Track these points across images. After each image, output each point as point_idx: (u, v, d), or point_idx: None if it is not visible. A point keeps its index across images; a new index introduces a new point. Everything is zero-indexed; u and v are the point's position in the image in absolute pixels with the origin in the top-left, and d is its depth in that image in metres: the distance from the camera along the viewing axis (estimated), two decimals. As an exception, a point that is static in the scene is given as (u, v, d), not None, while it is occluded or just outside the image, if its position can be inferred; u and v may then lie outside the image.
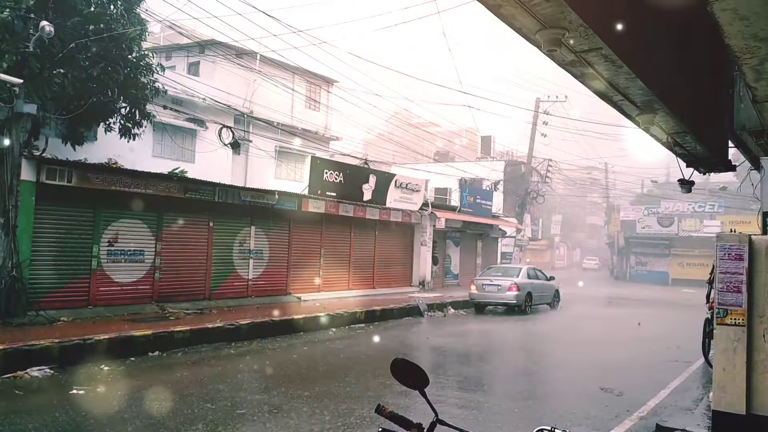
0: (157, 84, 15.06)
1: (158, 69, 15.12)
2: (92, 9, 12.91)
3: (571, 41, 3.97)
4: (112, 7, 13.51)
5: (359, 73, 23.53)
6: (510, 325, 16.97)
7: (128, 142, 15.18)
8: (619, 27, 4.07)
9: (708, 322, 10.96)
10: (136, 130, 15.03)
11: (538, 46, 4.00)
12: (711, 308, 10.18)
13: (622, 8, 4.12)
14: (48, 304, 11.88)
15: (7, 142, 11.25)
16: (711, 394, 6.99)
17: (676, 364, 11.58)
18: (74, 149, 14.29)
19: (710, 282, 10.66)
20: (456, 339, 14.20)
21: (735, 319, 6.37)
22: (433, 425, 2.36)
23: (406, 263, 24.13)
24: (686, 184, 9.58)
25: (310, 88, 28.03)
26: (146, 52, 14.61)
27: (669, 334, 16.23)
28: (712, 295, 9.75)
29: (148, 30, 15.15)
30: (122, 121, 14.71)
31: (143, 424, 6.54)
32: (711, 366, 8.39)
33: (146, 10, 14.84)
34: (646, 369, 11.22)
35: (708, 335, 10.80)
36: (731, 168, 9.07)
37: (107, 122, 14.53)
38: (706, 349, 11.06)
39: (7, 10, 11.20)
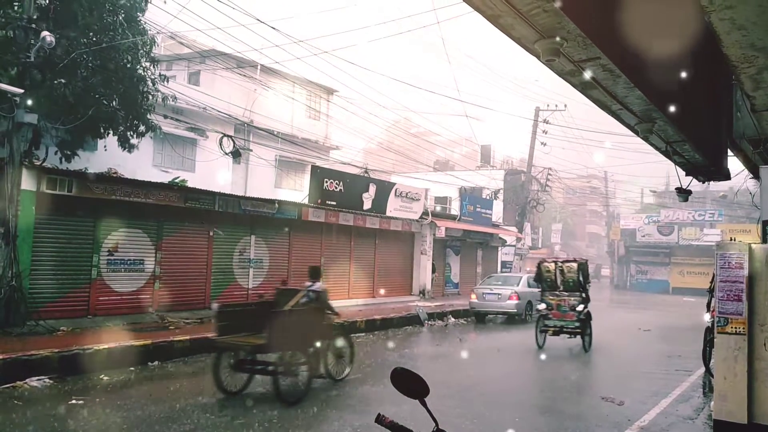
0: (159, 94, 15.07)
1: (160, 80, 15.13)
2: (93, 22, 12.95)
3: (570, 51, 3.99)
4: (114, 17, 13.56)
5: (360, 83, 23.64)
6: (511, 334, 16.94)
7: (130, 152, 15.21)
8: (617, 37, 4.09)
9: (709, 331, 10.94)
10: (134, 141, 15.02)
11: (537, 56, 4.02)
12: (712, 317, 10.16)
13: (620, 19, 4.14)
14: (48, 314, 11.85)
15: (7, 151, 11.28)
16: (712, 403, 6.97)
17: (677, 372, 11.55)
18: (69, 161, 14.26)
19: (711, 291, 10.64)
20: (457, 348, 14.15)
21: (735, 327, 6.37)
22: (433, 435, 2.36)
23: (406, 272, 24.10)
24: (683, 193, 9.58)
25: (310, 98, 28.11)
26: (146, 64, 14.62)
27: (670, 342, 16.20)
28: (712, 304, 9.73)
29: (156, 42, 15.17)
30: (123, 131, 14.71)
31: (142, 435, 6.53)
32: (712, 375, 8.37)
33: (146, 21, 14.88)
34: (647, 378, 11.18)
35: (709, 344, 10.76)
36: (728, 177, 9.10)
37: (108, 132, 14.53)
38: (707, 358, 11.03)
39: (10, 25, 11.28)
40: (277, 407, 7.77)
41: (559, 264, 14.77)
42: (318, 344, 8.78)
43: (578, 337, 14.26)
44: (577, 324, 14.12)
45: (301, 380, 8.39)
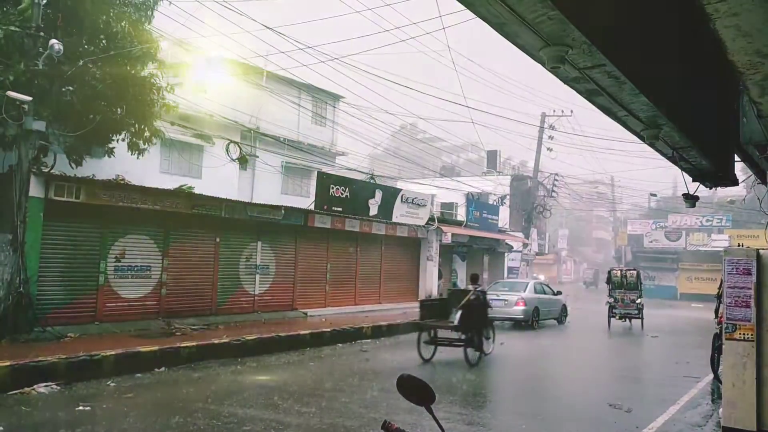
0: (166, 101, 15.11)
1: (168, 89, 15.17)
2: (101, 26, 13.03)
3: (575, 58, 3.98)
4: (122, 23, 13.62)
5: (366, 89, 23.71)
6: (517, 341, 16.86)
7: (138, 158, 15.24)
8: (623, 43, 4.09)
9: (717, 337, 10.87)
10: (144, 146, 15.08)
11: (542, 63, 4.01)
12: (720, 323, 10.11)
13: (626, 24, 4.13)
14: (55, 320, 11.91)
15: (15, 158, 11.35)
16: (721, 410, 6.93)
17: (685, 379, 11.48)
18: (73, 167, 14.33)
19: (719, 297, 10.59)
20: (462, 354, 14.10)
21: (744, 334, 6.34)
22: (439, 442, 2.37)
23: (413, 278, 24.07)
24: (691, 199, 9.51)
25: (316, 104, 28.17)
26: (154, 71, 14.67)
27: (677, 349, 16.11)
28: (720, 310, 9.68)
29: (160, 49, 15.21)
30: (131, 138, 14.76)
31: (149, 441, 6.54)
32: (720, 381, 8.33)
33: (153, 28, 14.93)
34: (655, 384, 11.12)
35: (717, 350, 10.70)
36: (736, 182, 9.05)
37: (115, 139, 14.58)
38: (715, 365, 10.96)
39: (16, 24, 11.33)
40: (465, 367, 11.74)
41: (624, 271, 22.38)
42: (483, 328, 12.52)
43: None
44: (636, 312, 20.95)
45: (475, 352, 12.05)
